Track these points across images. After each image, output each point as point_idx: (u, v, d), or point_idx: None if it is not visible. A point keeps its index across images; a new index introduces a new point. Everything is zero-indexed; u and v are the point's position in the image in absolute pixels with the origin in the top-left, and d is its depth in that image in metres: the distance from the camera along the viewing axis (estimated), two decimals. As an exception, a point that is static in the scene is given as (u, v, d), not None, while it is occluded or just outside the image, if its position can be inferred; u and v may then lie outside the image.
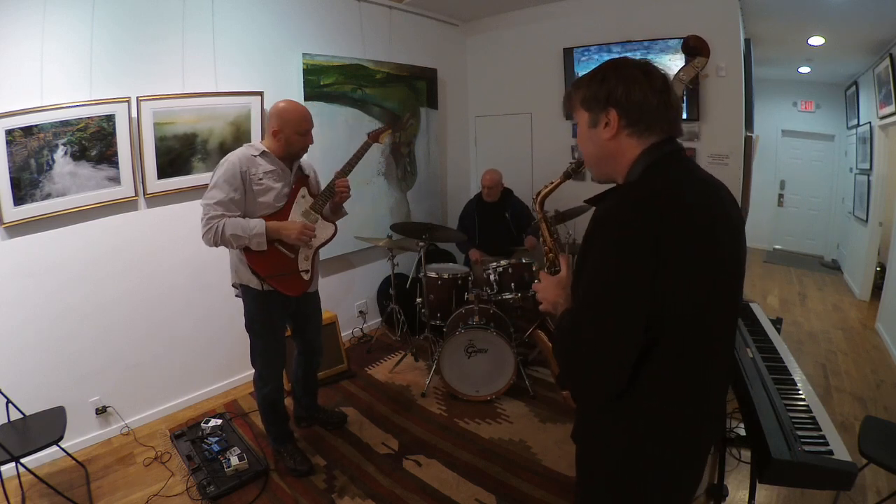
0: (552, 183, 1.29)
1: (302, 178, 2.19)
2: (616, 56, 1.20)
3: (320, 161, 3.13)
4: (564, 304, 1.05)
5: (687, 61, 1.76)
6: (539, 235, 1.32)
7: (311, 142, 2.15)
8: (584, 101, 0.99)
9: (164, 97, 2.58)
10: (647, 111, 0.92)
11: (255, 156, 2.05)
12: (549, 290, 1.10)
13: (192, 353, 2.92)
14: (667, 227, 0.83)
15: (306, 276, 2.18)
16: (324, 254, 2.25)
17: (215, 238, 1.95)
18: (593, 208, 0.98)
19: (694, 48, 1.76)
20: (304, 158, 2.25)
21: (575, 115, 1.03)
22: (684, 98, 3.34)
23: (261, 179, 2.04)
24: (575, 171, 1.23)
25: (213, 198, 1.96)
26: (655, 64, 0.96)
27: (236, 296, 2.20)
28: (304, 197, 2.16)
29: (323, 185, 2.26)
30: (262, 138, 2.28)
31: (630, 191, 0.93)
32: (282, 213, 2.10)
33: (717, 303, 0.90)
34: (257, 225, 1.98)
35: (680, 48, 2.69)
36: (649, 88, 0.92)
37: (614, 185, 1.02)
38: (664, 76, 0.95)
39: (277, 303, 2.16)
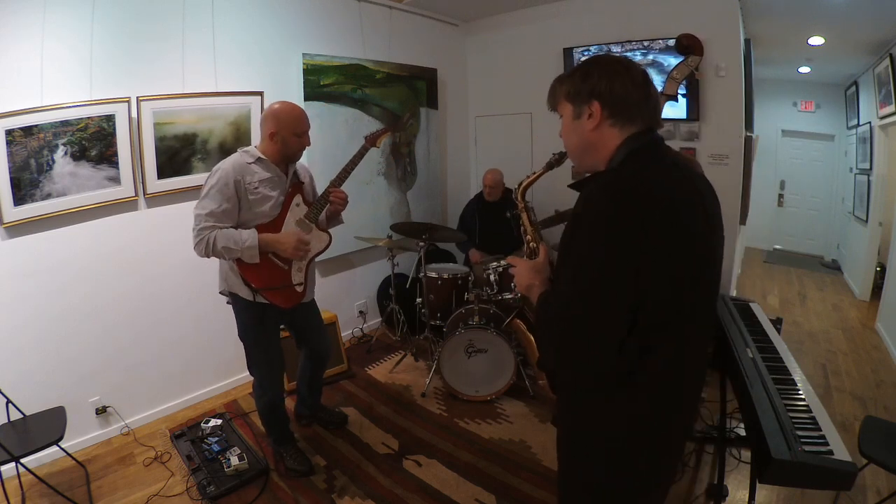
0: (534, 174, 1.32)
1: (297, 186, 2.12)
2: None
3: (319, 163, 3.15)
4: (540, 286, 1.10)
5: (682, 60, 1.76)
6: (520, 225, 1.33)
7: (308, 143, 2.08)
8: (568, 95, 1.04)
9: (164, 97, 2.58)
10: (628, 103, 0.98)
11: (250, 163, 1.99)
12: (524, 273, 1.16)
13: (192, 353, 2.92)
14: (646, 211, 0.87)
15: (300, 290, 2.14)
16: (324, 253, 2.24)
17: (207, 250, 1.90)
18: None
19: (687, 47, 1.76)
20: (300, 163, 2.20)
21: (559, 107, 1.08)
22: (685, 98, 3.35)
23: (256, 188, 1.97)
24: (557, 163, 1.26)
25: (205, 208, 1.90)
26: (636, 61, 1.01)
27: (227, 303, 2.16)
28: (298, 205, 2.09)
29: (319, 190, 2.21)
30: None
31: (612, 176, 0.98)
32: (276, 223, 2.04)
33: (690, 285, 0.93)
34: (249, 237, 1.92)
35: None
36: (630, 82, 0.98)
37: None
38: (644, 71, 1.02)
39: (271, 311, 2.12)
